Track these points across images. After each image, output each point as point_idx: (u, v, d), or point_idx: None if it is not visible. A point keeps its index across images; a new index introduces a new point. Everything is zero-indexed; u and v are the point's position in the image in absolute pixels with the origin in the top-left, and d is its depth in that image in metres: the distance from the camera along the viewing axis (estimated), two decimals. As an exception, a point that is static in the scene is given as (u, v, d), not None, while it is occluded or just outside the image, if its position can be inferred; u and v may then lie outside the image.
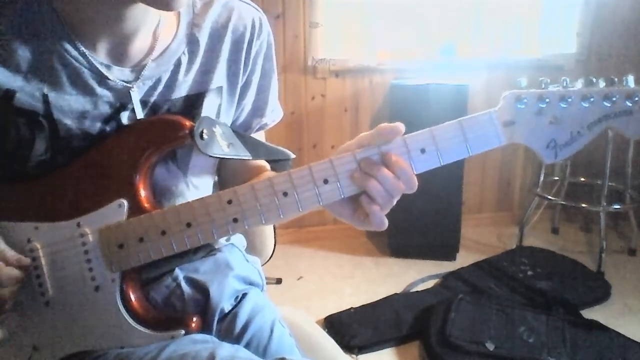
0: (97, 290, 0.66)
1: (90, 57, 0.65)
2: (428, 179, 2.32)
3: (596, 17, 2.77)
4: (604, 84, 0.60)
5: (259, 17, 0.77)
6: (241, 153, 0.72)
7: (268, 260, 1.04)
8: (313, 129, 2.66)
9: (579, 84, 0.60)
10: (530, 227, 2.74)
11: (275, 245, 1.05)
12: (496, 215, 2.98)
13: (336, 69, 2.61)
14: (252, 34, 0.76)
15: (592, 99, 0.59)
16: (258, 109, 0.82)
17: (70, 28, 0.64)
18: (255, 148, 0.75)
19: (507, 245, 2.67)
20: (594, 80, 0.60)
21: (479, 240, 2.75)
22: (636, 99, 0.59)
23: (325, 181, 0.61)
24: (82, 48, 0.64)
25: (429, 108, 2.26)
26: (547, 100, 0.60)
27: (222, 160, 0.82)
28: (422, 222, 2.49)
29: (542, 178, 2.63)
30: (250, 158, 0.74)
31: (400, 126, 0.60)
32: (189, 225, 0.63)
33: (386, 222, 0.60)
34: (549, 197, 2.64)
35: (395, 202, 0.60)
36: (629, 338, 1.79)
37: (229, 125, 0.78)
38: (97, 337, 0.68)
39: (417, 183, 0.60)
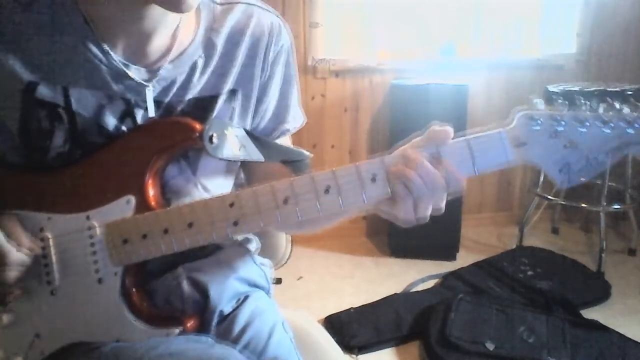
0: (100, 282, 0.68)
1: (110, 55, 0.67)
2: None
3: (596, 17, 2.77)
4: (628, 109, 0.55)
5: (278, 23, 0.78)
6: (253, 156, 0.73)
7: (284, 264, 1.04)
8: (313, 129, 2.66)
9: (601, 108, 0.56)
10: (530, 227, 2.74)
11: (292, 249, 1.05)
12: (496, 215, 2.98)
13: (336, 69, 2.61)
14: (269, 39, 0.76)
15: (612, 124, 0.55)
16: (279, 115, 0.82)
17: (93, 25, 0.66)
18: (268, 150, 0.75)
19: (507, 245, 2.67)
20: (617, 104, 0.56)
21: (479, 240, 2.75)
22: None
23: (327, 191, 0.60)
24: (103, 45, 0.66)
25: (429, 108, 2.26)
26: (564, 122, 0.57)
27: (247, 165, 0.82)
28: (422, 222, 2.48)
29: (542, 178, 2.63)
30: (263, 160, 0.74)
31: (450, 130, 0.59)
32: (190, 225, 0.65)
33: (414, 220, 0.60)
34: (549, 197, 2.64)
35: (439, 202, 0.59)
36: (629, 338, 1.79)
37: (249, 130, 0.78)
38: (96, 329, 0.69)
39: (461, 181, 0.58)
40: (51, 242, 0.69)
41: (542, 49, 2.77)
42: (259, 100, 0.79)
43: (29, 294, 0.70)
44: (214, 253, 0.81)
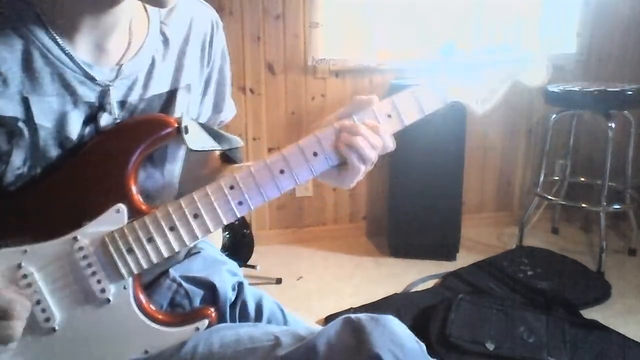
0: (108, 301, 0.65)
1: (73, 56, 0.63)
2: (428, 179, 2.33)
3: (596, 17, 2.77)
4: (503, 50, 0.79)
5: (216, 18, 0.80)
6: (212, 145, 0.75)
7: None
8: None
9: (487, 52, 0.78)
10: (530, 227, 2.74)
11: (222, 242, 1.09)
12: (496, 215, 2.98)
13: (336, 69, 2.60)
14: (212, 33, 0.79)
15: (499, 62, 0.77)
16: (217, 105, 0.84)
17: (50, 26, 0.62)
18: (219, 138, 0.77)
19: (507, 245, 2.67)
20: (494, 49, 0.79)
21: (479, 240, 2.75)
22: (528, 57, 0.79)
23: (315, 154, 0.68)
24: (65, 47, 0.63)
25: (429, 108, 2.25)
26: (471, 66, 0.76)
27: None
28: (422, 222, 2.48)
29: (542, 178, 2.63)
30: (220, 149, 0.76)
31: (374, 98, 0.70)
32: (195, 216, 0.65)
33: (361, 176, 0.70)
34: (549, 197, 2.64)
35: (375, 160, 0.69)
36: (629, 338, 1.79)
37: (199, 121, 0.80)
38: (117, 349, 0.66)
39: (393, 140, 0.70)
40: (36, 277, 0.62)
41: (542, 49, 2.77)
42: (204, 92, 0.81)
43: (25, 340, 0.62)
44: (190, 254, 0.84)
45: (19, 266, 0.62)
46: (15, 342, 0.60)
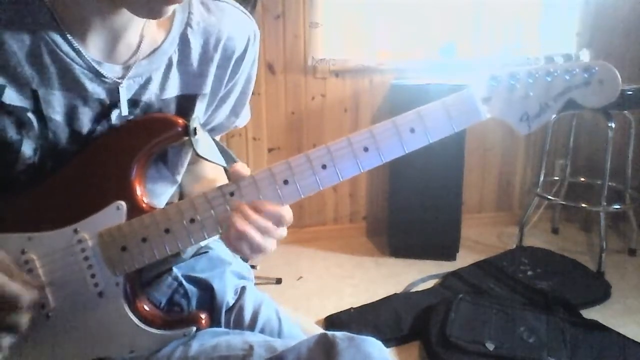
0: (100, 295, 0.65)
1: (82, 53, 0.63)
2: (428, 179, 2.33)
3: (596, 17, 2.77)
4: (562, 59, 0.66)
5: (254, 32, 0.76)
6: (217, 159, 0.72)
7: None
8: (313, 129, 2.66)
9: (542, 61, 0.66)
10: (530, 227, 2.74)
11: None
12: (496, 215, 2.98)
13: (336, 69, 2.61)
14: (246, 47, 0.75)
15: (555, 74, 0.65)
16: (234, 110, 0.82)
17: (61, 23, 0.62)
18: (225, 155, 0.75)
19: (507, 245, 2.67)
20: (554, 57, 0.66)
21: (479, 240, 2.75)
22: (592, 71, 0.65)
23: (324, 167, 0.64)
24: (74, 43, 0.62)
25: (429, 108, 2.25)
26: (517, 76, 0.65)
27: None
28: (422, 222, 2.48)
29: (542, 178, 2.63)
30: (224, 165, 0.74)
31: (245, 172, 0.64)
32: (192, 221, 0.64)
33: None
34: (549, 197, 2.64)
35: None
36: (629, 338, 1.79)
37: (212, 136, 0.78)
38: (104, 344, 0.66)
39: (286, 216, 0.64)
40: (37, 263, 0.64)
41: (542, 49, 2.77)
42: (221, 101, 0.78)
43: None
44: (199, 252, 0.83)
45: (23, 252, 0.64)
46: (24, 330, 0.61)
